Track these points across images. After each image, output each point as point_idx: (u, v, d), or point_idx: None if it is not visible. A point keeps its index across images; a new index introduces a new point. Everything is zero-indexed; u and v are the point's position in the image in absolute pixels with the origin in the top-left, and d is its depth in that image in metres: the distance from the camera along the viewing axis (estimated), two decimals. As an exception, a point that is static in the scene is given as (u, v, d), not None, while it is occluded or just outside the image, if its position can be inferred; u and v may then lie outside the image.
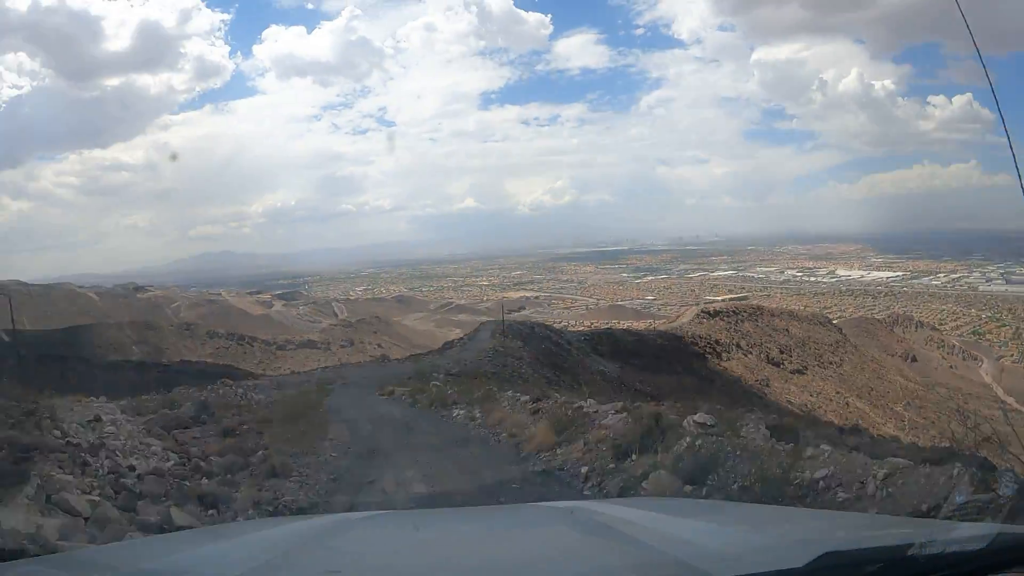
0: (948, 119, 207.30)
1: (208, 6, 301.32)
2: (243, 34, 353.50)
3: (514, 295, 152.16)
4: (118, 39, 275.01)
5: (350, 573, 2.81)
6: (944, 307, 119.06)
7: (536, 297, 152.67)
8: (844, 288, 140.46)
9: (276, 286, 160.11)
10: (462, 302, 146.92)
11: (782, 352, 77.58)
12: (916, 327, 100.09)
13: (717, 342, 75.34)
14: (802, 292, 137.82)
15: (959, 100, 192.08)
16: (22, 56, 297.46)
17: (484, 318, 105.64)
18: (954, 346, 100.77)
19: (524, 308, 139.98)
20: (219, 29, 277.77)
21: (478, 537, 3.72)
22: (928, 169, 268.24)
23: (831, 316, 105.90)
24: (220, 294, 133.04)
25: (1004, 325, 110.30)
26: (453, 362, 44.03)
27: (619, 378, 54.86)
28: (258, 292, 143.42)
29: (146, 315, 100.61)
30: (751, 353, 76.17)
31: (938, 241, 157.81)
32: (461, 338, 64.19)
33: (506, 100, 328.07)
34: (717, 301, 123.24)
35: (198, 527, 7.24)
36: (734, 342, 76.42)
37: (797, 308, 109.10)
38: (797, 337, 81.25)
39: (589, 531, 3.42)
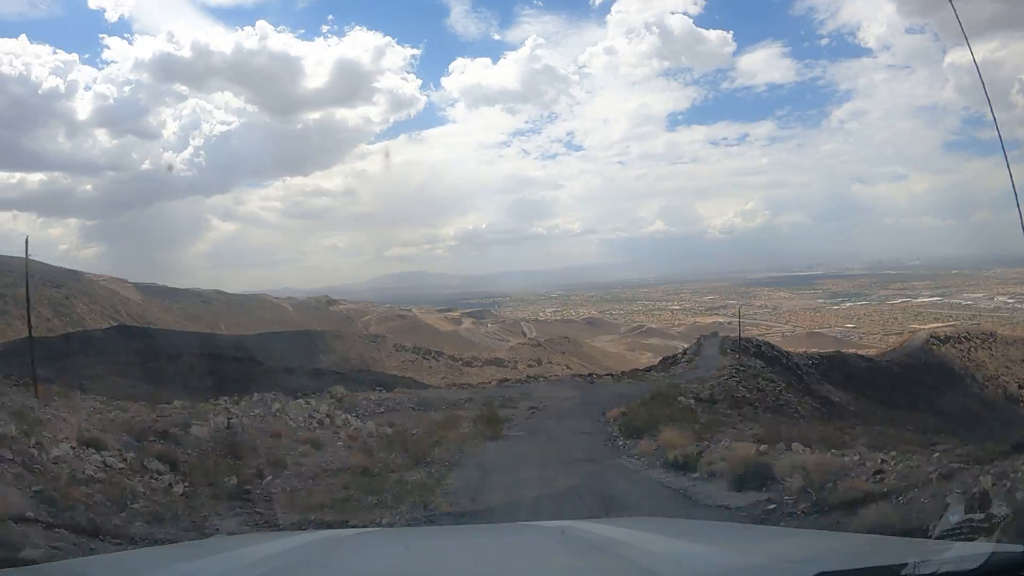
0: None
1: (399, 43, 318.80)
2: (433, 67, 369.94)
3: (706, 320, 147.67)
4: (317, 76, 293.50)
5: None
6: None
7: (728, 323, 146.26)
8: None
9: (467, 305, 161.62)
10: (653, 326, 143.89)
11: (1021, 388, 68.68)
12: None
13: (952, 371, 68.00)
14: (1016, 321, 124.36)
15: None
16: (228, 95, 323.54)
17: (676, 342, 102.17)
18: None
19: (718, 334, 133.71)
20: (410, 63, 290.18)
21: (468, 555, 3.69)
22: None
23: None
24: (411, 310, 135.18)
25: None
26: (691, 382, 36.59)
27: (857, 411, 47.41)
28: (448, 310, 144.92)
29: (337, 326, 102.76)
30: (986, 387, 67.88)
31: None
32: (684, 352, 59.18)
33: (693, 120, 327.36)
34: (921, 330, 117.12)
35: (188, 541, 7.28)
36: (968, 373, 68.49)
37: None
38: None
39: (580, 551, 3.45)
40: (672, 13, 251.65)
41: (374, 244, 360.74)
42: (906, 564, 2.31)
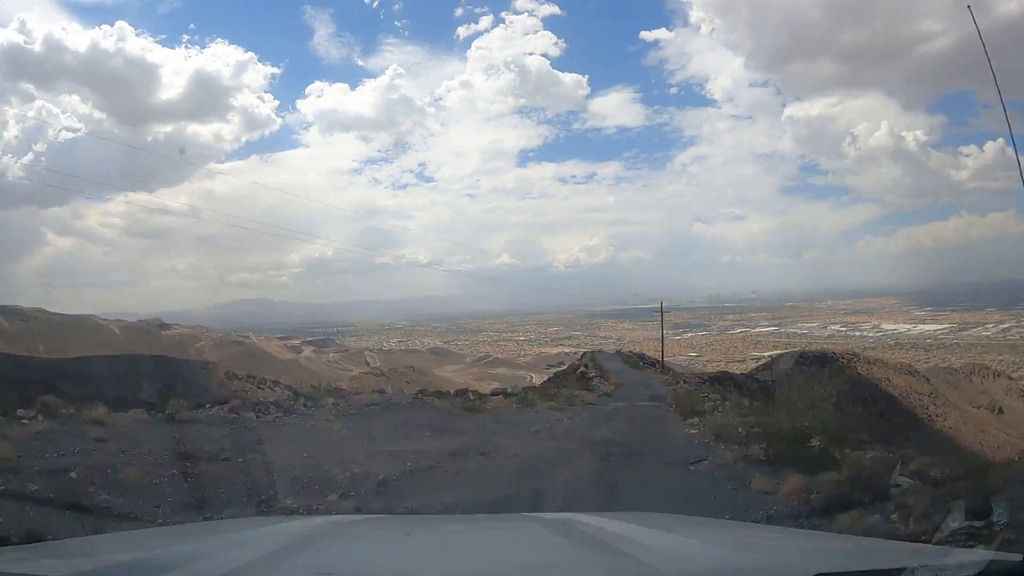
0: (982, 168, 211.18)
1: (261, 60, 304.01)
2: (290, 88, 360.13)
3: (552, 350, 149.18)
4: (172, 87, 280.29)
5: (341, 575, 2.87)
6: (1002, 357, 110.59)
7: (575, 352, 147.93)
8: (892, 342, 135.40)
9: (311, 334, 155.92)
10: (500, 356, 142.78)
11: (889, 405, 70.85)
12: (994, 376, 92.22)
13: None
14: (850, 347, 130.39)
15: (991, 148, 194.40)
16: (76, 99, 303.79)
17: (523, 372, 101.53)
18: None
19: (564, 364, 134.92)
20: (270, 82, 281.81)
21: (470, 544, 3.74)
22: (965, 220, 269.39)
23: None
24: (248, 336, 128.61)
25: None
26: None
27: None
28: (288, 338, 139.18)
29: (168, 352, 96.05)
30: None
31: (981, 292, 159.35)
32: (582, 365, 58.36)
33: (544, 158, 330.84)
34: (763, 357, 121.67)
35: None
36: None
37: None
38: (900, 388, 74.31)
39: (582, 543, 3.45)
40: (531, 54, 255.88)
41: (217, 268, 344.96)
42: (904, 569, 2.33)
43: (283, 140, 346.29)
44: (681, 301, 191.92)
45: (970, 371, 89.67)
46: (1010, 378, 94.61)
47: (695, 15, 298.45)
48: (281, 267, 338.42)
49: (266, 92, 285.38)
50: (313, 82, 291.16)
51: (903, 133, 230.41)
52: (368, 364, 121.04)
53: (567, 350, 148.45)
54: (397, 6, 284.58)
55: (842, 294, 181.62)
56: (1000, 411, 73.98)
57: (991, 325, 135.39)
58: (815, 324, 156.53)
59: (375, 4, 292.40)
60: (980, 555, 2.70)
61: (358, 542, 3.59)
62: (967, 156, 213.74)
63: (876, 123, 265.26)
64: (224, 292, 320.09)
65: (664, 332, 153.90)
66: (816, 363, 53.62)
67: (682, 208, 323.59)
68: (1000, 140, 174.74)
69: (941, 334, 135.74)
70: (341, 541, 3.55)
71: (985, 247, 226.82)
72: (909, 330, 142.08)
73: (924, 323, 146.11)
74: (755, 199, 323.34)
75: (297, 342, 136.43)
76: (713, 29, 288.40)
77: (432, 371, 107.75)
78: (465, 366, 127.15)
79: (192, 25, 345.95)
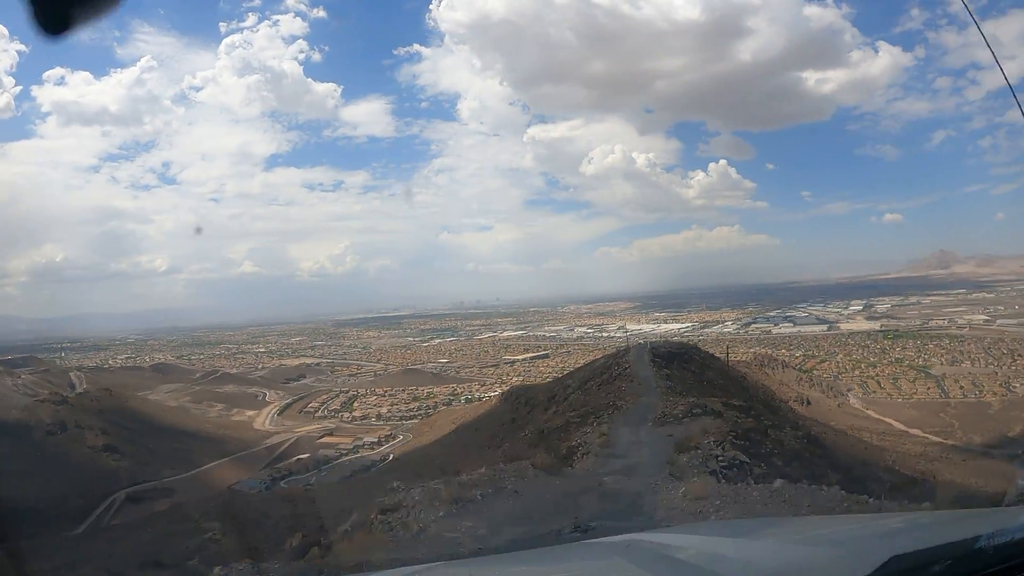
0: (708, 187, 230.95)
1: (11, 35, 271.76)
2: (34, 71, 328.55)
3: (293, 362, 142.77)
4: None
5: None
6: (753, 350, 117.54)
7: (318, 364, 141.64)
8: (643, 341, 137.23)
9: (27, 350, 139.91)
10: (232, 371, 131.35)
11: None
12: (783, 368, 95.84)
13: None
14: (602, 347, 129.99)
15: (715, 169, 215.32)
16: None
17: (255, 389, 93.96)
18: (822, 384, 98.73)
19: (305, 377, 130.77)
20: (14, 63, 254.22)
21: None
22: (695, 232, 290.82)
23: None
24: None
25: (824, 360, 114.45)
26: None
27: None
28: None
29: None
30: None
31: (711, 295, 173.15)
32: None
33: (292, 163, 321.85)
34: (517, 360, 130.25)
35: None
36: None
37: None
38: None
39: (648, 564, 3.38)
40: (285, 59, 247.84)
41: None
42: (979, 536, 2.31)
43: (16, 129, 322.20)
44: (427, 309, 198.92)
45: (762, 363, 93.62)
46: (796, 369, 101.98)
47: (449, 34, 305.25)
48: (4, 275, 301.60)
49: (8, 75, 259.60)
50: (54, 67, 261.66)
51: (637, 155, 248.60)
52: (73, 388, 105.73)
53: (310, 361, 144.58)
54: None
55: (583, 299, 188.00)
56: (808, 402, 74.65)
57: (730, 322, 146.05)
58: (562, 327, 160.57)
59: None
60: None
61: None
62: (692, 178, 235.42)
63: (614, 146, 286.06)
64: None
65: (411, 340, 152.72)
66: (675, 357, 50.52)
67: (430, 218, 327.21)
68: (723, 162, 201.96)
69: (686, 332, 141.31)
70: None
71: (712, 256, 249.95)
72: (654, 329, 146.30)
73: (667, 323, 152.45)
74: (501, 210, 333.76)
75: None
76: (466, 49, 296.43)
77: (141, 394, 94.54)
78: (187, 384, 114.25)
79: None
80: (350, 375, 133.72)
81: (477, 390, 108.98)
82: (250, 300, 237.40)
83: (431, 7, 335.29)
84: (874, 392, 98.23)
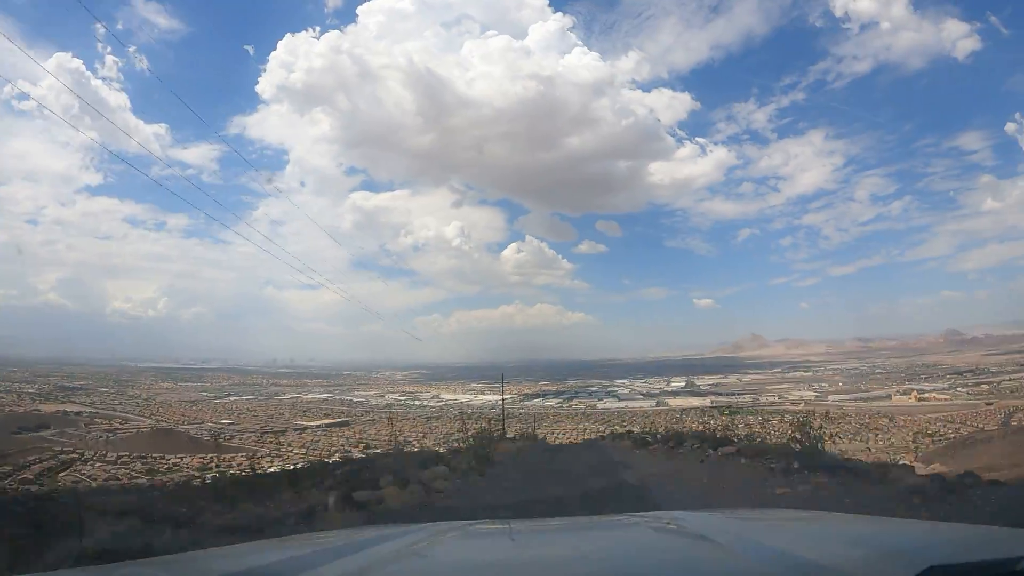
0: (528, 264, 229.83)
1: None
2: None
3: (51, 408, 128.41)
4: None
5: None
6: (580, 425, 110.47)
7: (78, 413, 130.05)
8: (456, 412, 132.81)
9: None
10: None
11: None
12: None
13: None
14: (411, 416, 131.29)
15: (535, 248, 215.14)
16: None
17: None
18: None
19: (48, 427, 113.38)
20: None
21: (578, 548, 3.72)
22: (515, 307, 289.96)
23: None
24: None
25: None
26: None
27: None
28: None
29: None
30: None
31: (531, 368, 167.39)
32: None
33: (116, 194, 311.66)
34: (310, 427, 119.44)
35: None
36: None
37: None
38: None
39: (688, 542, 3.47)
40: (119, 92, 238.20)
41: None
42: (1023, 557, 2.24)
43: None
44: (237, 363, 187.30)
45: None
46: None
47: (281, 89, 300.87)
48: None
49: None
50: None
51: (457, 229, 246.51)
52: None
53: (73, 408, 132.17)
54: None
55: (398, 366, 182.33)
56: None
57: (551, 397, 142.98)
58: (372, 393, 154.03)
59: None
60: None
61: (463, 548, 3.58)
62: (513, 256, 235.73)
63: (435, 218, 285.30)
64: None
65: (205, 395, 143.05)
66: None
67: (255, 270, 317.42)
68: (543, 243, 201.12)
69: (507, 403, 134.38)
70: (448, 548, 3.56)
71: (531, 332, 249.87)
72: (470, 400, 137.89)
73: (484, 394, 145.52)
74: (327, 271, 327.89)
75: None
76: (296, 107, 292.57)
77: None
78: None
79: None
80: (106, 430, 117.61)
81: (241, 463, 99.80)
82: (51, 333, 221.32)
83: (267, 60, 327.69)
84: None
